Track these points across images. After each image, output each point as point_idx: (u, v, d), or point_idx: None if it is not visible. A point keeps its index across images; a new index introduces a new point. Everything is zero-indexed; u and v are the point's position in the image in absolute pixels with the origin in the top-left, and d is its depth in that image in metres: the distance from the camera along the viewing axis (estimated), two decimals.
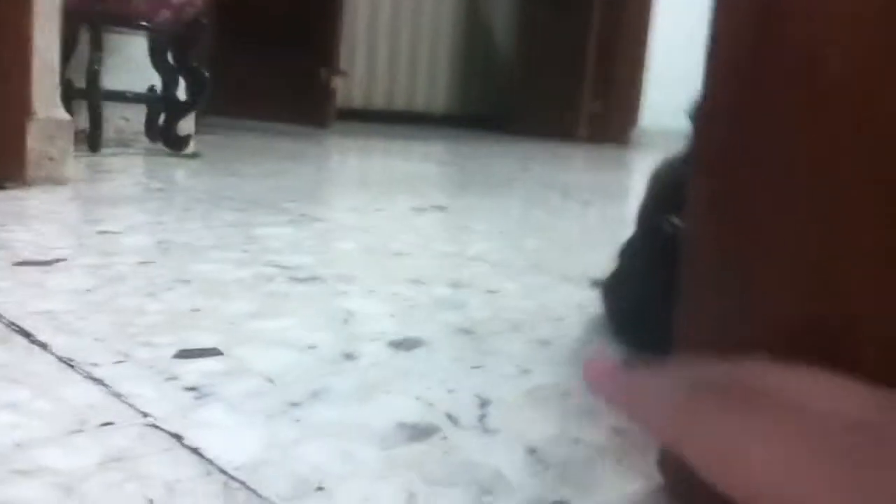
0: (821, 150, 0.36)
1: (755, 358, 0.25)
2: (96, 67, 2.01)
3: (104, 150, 2.08)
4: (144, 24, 2.12)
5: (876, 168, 0.34)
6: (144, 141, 2.43)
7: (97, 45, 2.02)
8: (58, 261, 0.89)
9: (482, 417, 0.53)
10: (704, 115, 0.41)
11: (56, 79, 1.46)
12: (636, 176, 2.74)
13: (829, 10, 0.35)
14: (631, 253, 0.73)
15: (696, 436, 0.21)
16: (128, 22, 2.10)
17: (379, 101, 4.86)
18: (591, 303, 0.84)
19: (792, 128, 0.37)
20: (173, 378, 0.57)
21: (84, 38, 2.15)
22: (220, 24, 3.13)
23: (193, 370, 0.59)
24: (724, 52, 0.40)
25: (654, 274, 0.67)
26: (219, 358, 0.62)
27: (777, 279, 0.37)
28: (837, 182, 0.35)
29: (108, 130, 2.42)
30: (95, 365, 0.59)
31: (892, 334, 0.34)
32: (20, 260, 0.88)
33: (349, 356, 0.64)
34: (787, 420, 0.20)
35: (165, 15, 2.11)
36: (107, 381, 0.56)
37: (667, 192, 0.69)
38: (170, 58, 2.29)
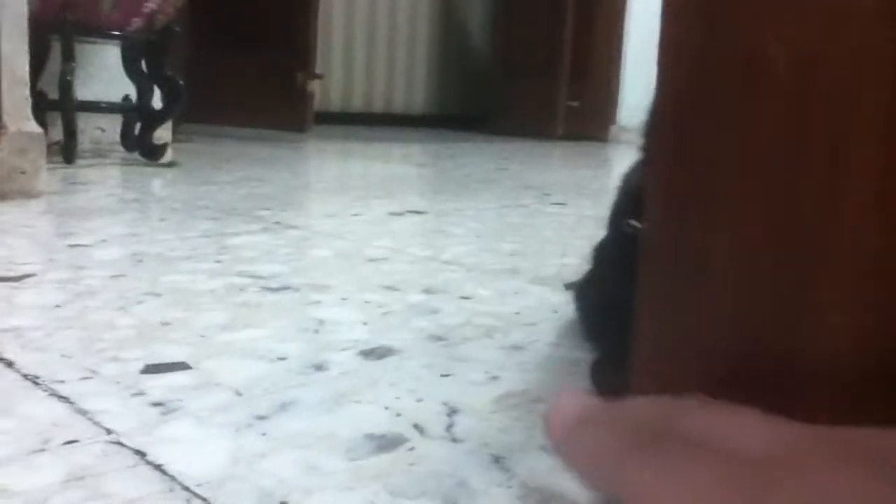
0: (769, 152, 0.36)
1: (690, 399, 0.26)
2: (69, 78, 1.99)
3: (80, 162, 2.07)
4: (116, 32, 2.10)
5: (822, 170, 0.34)
6: (121, 151, 2.42)
7: (69, 56, 2.00)
8: (27, 276, 0.88)
9: (450, 426, 0.53)
10: (656, 114, 0.41)
11: (26, 91, 1.45)
12: (613, 174, 2.75)
13: (766, 9, 0.36)
14: (601, 256, 0.74)
15: (627, 484, 0.22)
16: (99, 31, 2.08)
17: (357, 104, 4.85)
18: (565, 306, 0.84)
19: (739, 129, 0.37)
20: (140, 393, 0.57)
21: (56, 48, 2.14)
22: (193, 29, 3.12)
23: (160, 385, 0.58)
24: (672, 51, 0.40)
25: (622, 277, 0.67)
26: (187, 372, 0.62)
27: (731, 283, 0.38)
28: (781, 183, 0.36)
29: (84, 141, 2.41)
30: (61, 382, 0.58)
31: (848, 343, 0.34)
32: None
33: (319, 366, 0.64)
34: (702, 463, 0.21)
35: (137, 23, 2.09)
36: (72, 398, 0.55)
37: (632, 195, 0.69)
38: (143, 66, 2.28)
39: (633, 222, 0.66)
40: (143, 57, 2.26)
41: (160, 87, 2.25)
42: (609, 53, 4.37)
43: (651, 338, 0.42)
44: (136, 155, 2.29)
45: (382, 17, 4.86)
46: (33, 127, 1.46)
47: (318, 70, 3.40)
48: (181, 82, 2.20)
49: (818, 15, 0.34)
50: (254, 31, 3.32)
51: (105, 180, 1.82)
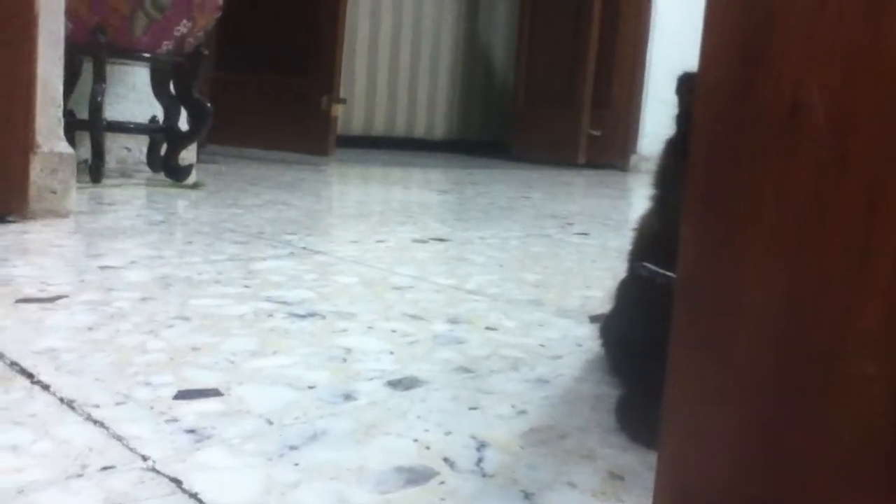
0: (805, 202, 0.36)
1: None
2: (99, 99, 2.03)
3: (106, 181, 2.10)
4: (147, 54, 2.14)
5: (858, 221, 0.35)
6: (147, 171, 2.45)
7: (100, 77, 2.04)
8: (59, 297, 0.90)
9: (479, 461, 0.54)
10: (696, 160, 0.42)
11: (59, 111, 1.47)
12: (634, 205, 2.75)
13: (811, 57, 0.36)
14: (624, 294, 0.74)
15: None
16: (130, 53, 2.12)
17: (379, 128, 4.89)
18: (589, 340, 0.85)
19: (776, 177, 0.38)
20: (173, 420, 0.57)
21: (86, 68, 2.18)
22: (219, 52, 3.17)
23: (193, 411, 0.59)
24: (711, 97, 0.40)
25: (645, 316, 0.68)
26: (218, 398, 0.62)
27: (765, 332, 0.38)
28: (816, 232, 0.36)
29: (111, 161, 2.45)
30: (96, 406, 0.59)
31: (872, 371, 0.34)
32: (22, 297, 0.89)
33: (348, 396, 0.64)
34: None
35: (167, 46, 2.13)
36: (107, 423, 0.56)
37: (646, 239, 0.71)
38: (171, 88, 2.32)
39: (648, 266, 0.67)
40: (171, 78, 2.30)
41: (187, 108, 2.28)
42: (630, 83, 4.38)
43: (685, 382, 0.43)
44: (161, 175, 2.32)
45: (406, 42, 4.91)
46: (65, 147, 1.49)
47: (341, 94, 3.44)
48: (209, 104, 2.23)
49: (860, 67, 0.35)
50: (279, 55, 3.36)
51: (131, 200, 1.84)
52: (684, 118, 0.67)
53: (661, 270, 0.67)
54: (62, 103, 1.48)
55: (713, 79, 0.40)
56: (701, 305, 0.40)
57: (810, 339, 0.36)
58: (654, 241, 0.71)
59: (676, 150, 0.69)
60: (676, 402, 0.43)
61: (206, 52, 2.23)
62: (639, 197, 3.05)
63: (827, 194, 0.35)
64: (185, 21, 2.08)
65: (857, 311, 0.35)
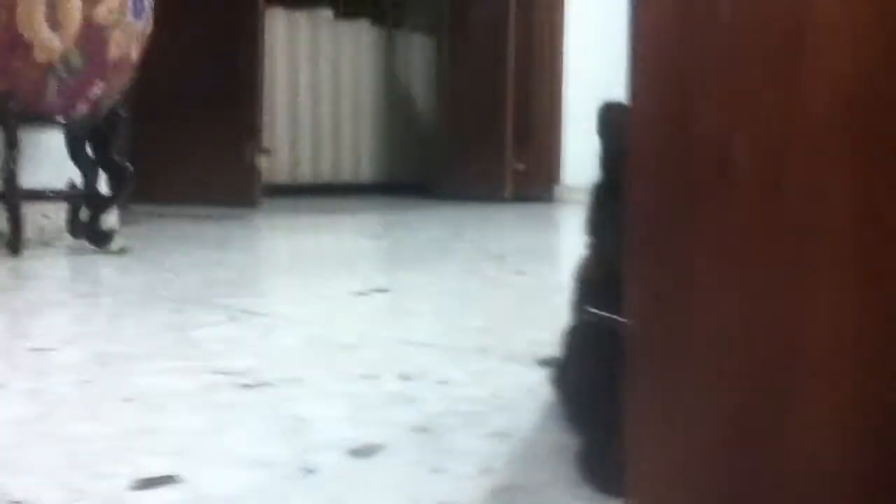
0: (735, 243, 0.38)
1: None
2: (12, 167, 1.97)
3: (26, 252, 2.02)
4: (61, 118, 2.09)
5: (794, 258, 0.36)
6: (68, 238, 2.37)
7: (12, 145, 1.97)
8: None
9: None
10: (634, 210, 0.43)
11: None
12: (563, 237, 2.80)
13: (733, 113, 0.38)
14: (573, 342, 0.75)
15: None
16: (43, 118, 2.06)
17: (305, 175, 4.87)
18: (540, 386, 0.85)
19: (712, 223, 0.39)
20: None
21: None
22: (135, 107, 3.12)
23: (153, 502, 0.57)
24: (643, 153, 0.42)
25: (595, 363, 0.70)
26: (177, 486, 0.60)
27: (714, 371, 0.39)
28: (756, 272, 0.38)
29: (29, 230, 2.36)
30: None
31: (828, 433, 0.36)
32: None
33: (309, 470, 0.63)
34: None
35: (82, 109, 2.08)
36: None
37: (586, 286, 0.73)
38: (89, 151, 2.26)
39: (592, 309, 0.69)
40: (88, 142, 2.25)
41: (107, 171, 2.23)
42: (550, 115, 4.49)
43: (643, 427, 0.44)
44: (83, 242, 2.25)
45: (326, 87, 4.92)
46: None
47: (264, 144, 3.42)
48: (129, 166, 2.18)
49: (779, 120, 0.37)
50: (198, 108, 3.33)
51: (55, 272, 1.78)
52: (608, 160, 0.69)
53: (606, 314, 0.69)
54: None
55: (643, 141, 0.41)
56: (650, 350, 0.42)
57: (762, 373, 0.37)
58: (595, 288, 0.73)
59: (603, 195, 0.71)
60: (636, 445, 0.44)
61: (124, 115, 2.19)
62: (566, 229, 3.11)
63: (761, 236, 0.37)
64: (99, 82, 2.04)
65: (801, 345, 0.36)
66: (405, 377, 0.90)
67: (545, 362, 0.94)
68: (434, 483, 0.61)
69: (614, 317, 0.67)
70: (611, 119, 0.67)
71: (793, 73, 0.35)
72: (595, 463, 0.61)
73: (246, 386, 0.87)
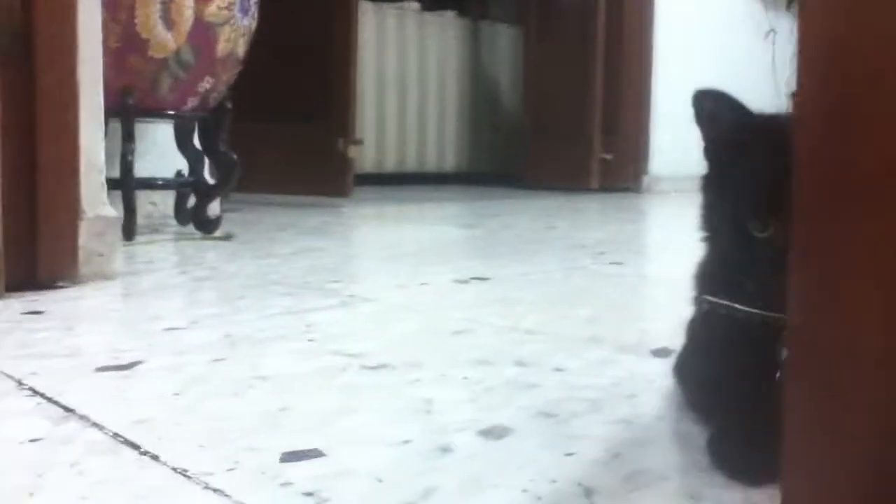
0: None
1: None
2: (130, 158, 2.07)
3: (137, 238, 2.13)
4: (172, 112, 2.19)
5: None
6: (173, 224, 2.49)
7: (129, 137, 2.08)
8: (135, 364, 0.92)
9: None
10: (799, 211, 0.43)
11: (102, 177, 1.51)
12: (653, 228, 2.78)
13: None
14: (693, 332, 0.76)
15: None
16: (157, 112, 2.17)
17: (390, 165, 4.94)
18: (658, 377, 0.87)
19: (877, 220, 0.40)
20: (288, 483, 0.60)
21: (112, 128, 2.22)
22: (234, 103, 3.23)
23: (304, 474, 0.61)
24: (811, 154, 0.43)
25: (717, 353, 0.71)
26: (322, 459, 0.64)
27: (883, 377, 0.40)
28: None
29: (138, 217, 2.48)
30: (210, 474, 0.61)
31: None
32: (99, 366, 0.91)
33: (444, 449, 0.66)
34: None
35: (193, 103, 2.18)
36: (227, 491, 0.58)
37: (704, 279, 0.73)
38: (195, 142, 2.36)
39: (709, 298, 0.70)
40: (195, 133, 2.35)
41: (214, 161, 2.32)
42: (638, 106, 4.43)
43: (804, 424, 0.45)
44: (190, 228, 2.35)
45: (412, 78, 4.98)
46: (109, 211, 1.52)
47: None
48: (235, 157, 2.27)
49: None
50: (294, 102, 3.42)
51: (168, 257, 1.87)
52: (711, 148, 0.69)
53: (721, 301, 0.70)
54: (104, 169, 1.52)
55: (811, 142, 0.42)
56: (817, 351, 0.43)
57: None
58: (712, 280, 0.73)
59: (710, 185, 0.71)
60: (798, 444, 0.45)
61: (230, 106, 2.28)
62: (655, 220, 3.08)
63: None
64: (208, 77, 2.13)
65: None
66: (521, 363, 0.93)
67: (659, 353, 0.95)
68: (567, 465, 0.63)
69: (726, 302, 0.68)
70: (707, 107, 0.67)
71: None
72: (725, 450, 0.62)
73: (369, 368, 0.90)
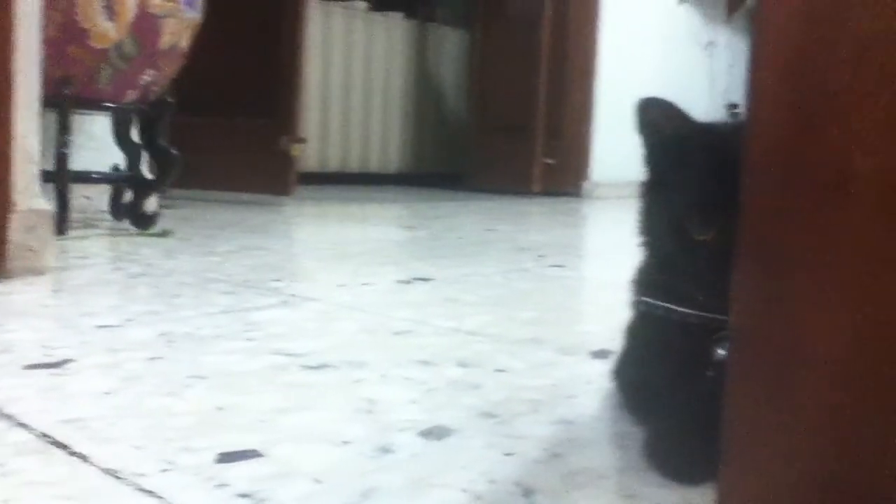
0: (857, 259, 0.40)
1: None
2: (65, 151, 2.01)
3: (71, 233, 2.07)
4: (111, 104, 2.13)
5: None
6: (108, 220, 2.42)
7: (65, 129, 2.02)
8: (66, 361, 0.89)
9: None
10: (749, 215, 0.44)
11: (36, 169, 1.46)
12: (595, 233, 2.82)
13: (855, 128, 0.40)
14: (632, 336, 0.77)
15: None
16: (95, 104, 2.11)
17: (334, 164, 4.90)
18: (598, 378, 0.88)
19: (825, 237, 0.41)
20: (224, 485, 0.58)
21: (47, 120, 2.16)
22: (175, 96, 3.16)
23: (240, 475, 0.60)
24: (759, 163, 0.44)
25: (652, 353, 0.72)
26: (260, 460, 0.63)
27: (827, 382, 0.41)
28: (870, 288, 0.40)
29: (72, 211, 2.41)
30: (142, 475, 0.60)
31: None
32: (29, 363, 0.88)
33: (386, 449, 0.66)
34: None
35: (133, 96, 2.12)
36: (159, 493, 0.57)
37: (642, 285, 0.74)
38: (134, 135, 2.31)
39: (645, 300, 0.71)
40: (133, 126, 2.29)
41: (153, 156, 2.27)
42: (581, 112, 4.49)
43: (745, 426, 0.45)
44: (124, 223, 2.29)
45: (357, 77, 4.95)
46: (42, 204, 1.47)
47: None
48: (175, 152, 2.22)
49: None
50: (238, 98, 3.36)
51: (103, 252, 1.82)
52: (653, 155, 0.70)
53: (657, 302, 0.71)
54: (38, 160, 1.47)
55: (762, 148, 0.43)
56: (760, 356, 0.44)
57: (871, 383, 0.39)
58: (651, 285, 0.74)
59: (650, 191, 0.72)
60: (737, 445, 0.45)
61: (171, 100, 2.23)
62: (597, 224, 3.12)
63: (879, 249, 0.39)
64: (150, 70, 2.08)
65: None
66: (464, 364, 0.93)
67: (599, 355, 0.96)
68: (508, 465, 0.63)
69: (662, 304, 0.69)
70: (649, 115, 0.68)
71: None
72: (665, 451, 0.63)
73: (311, 367, 0.89)
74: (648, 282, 0.75)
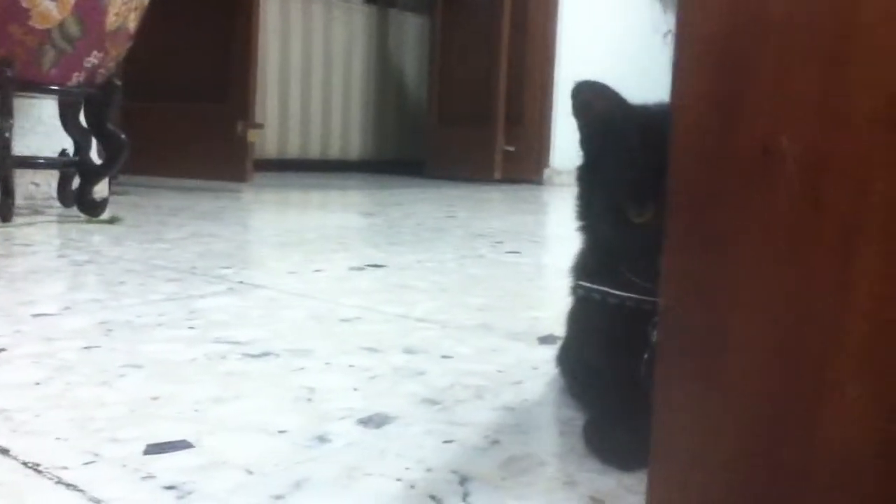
0: (783, 238, 0.39)
1: None
2: (7, 135, 1.95)
3: (16, 219, 2.01)
4: (56, 87, 2.07)
5: (835, 257, 0.38)
6: (57, 206, 2.36)
7: (7, 112, 1.95)
8: None
9: (466, 496, 0.55)
10: (675, 196, 0.44)
11: None
12: (553, 219, 2.82)
13: (780, 104, 0.39)
14: (574, 322, 0.76)
15: None
16: (39, 87, 2.04)
17: (293, 151, 4.85)
18: (544, 363, 0.87)
19: (753, 217, 0.40)
20: (149, 477, 0.56)
21: None
22: (128, 80, 3.09)
23: (168, 466, 0.58)
24: (685, 142, 0.43)
25: (593, 338, 0.71)
26: (190, 451, 0.61)
27: (752, 361, 0.40)
28: (796, 267, 0.39)
29: (18, 197, 2.34)
30: (64, 468, 0.57)
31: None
32: None
33: (321, 439, 0.64)
34: None
35: (78, 78, 2.06)
36: (80, 486, 0.55)
37: (582, 271, 0.73)
38: (82, 120, 2.25)
39: (583, 284, 0.70)
40: (81, 111, 2.23)
41: (101, 141, 2.21)
42: (541, 99, 4.49)
43: (675, 408, 0.45)
44: (73, 210, 2.24)
45: (317, 63, 4.89)
46: None
47: (255, 118, 3.40)
48: (123, 136, 2.17)
49: (826, 116, 0.38)
50: (191, 82, 3.30)
51: (49, 239, 1.77)
52: (587, 137, 0.69)
53: (594, 286, 0.70)
54: None
55: (687, 126, 0.42)
56: (687, 337, 0.43)
57: (796, 363, 0.38)
58: (589, 270, 0.72)
59: (586, 176, 0.71)
60: (665, 427, 0.45)
61: (119, 84, 2.17)
62: (556, 211, 3.13)
63: (803, 229, 0.38)
64: (95, 52, 2.02)
65: (838, 335, 0.38)
66: (409, 351, 0.91)
67: (546, 340, 0.96)
68: (446, 452, 0.62)
69: (599, 288, 0.68)
70: (583, 97, 0.67)
71: (840, 72, 0.36)
72: (600, 437, 0.63)
73: (252, 356, 0.87)
74: (587, 267, 0.73)
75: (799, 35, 0.37)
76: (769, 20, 0.38)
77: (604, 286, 0.66)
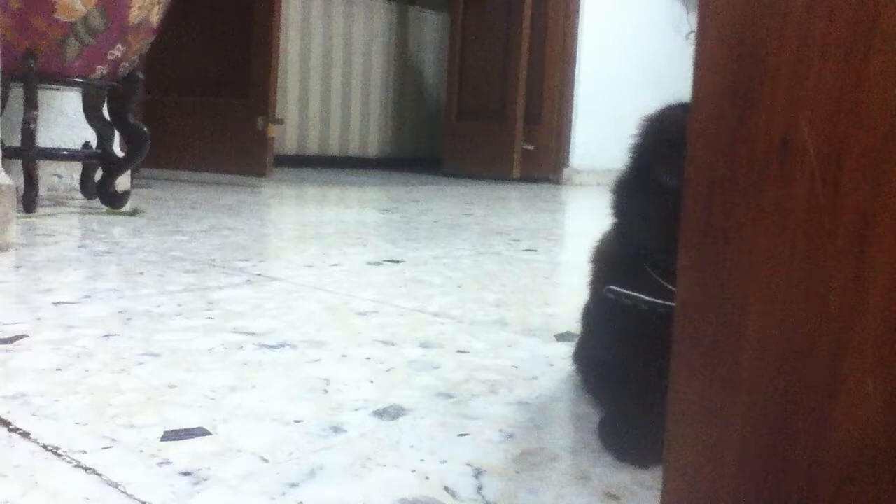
0: (800, 231, 0.39)
1: None
2: (32, 126, 1.97)
3: (39, 210, 2.04)
4: (79, 80, 2.09)
5: (851, 249, 0.37)
6: (79, 198, 2.39)
7: (32, 104, 1.98)
8: (19, 338, 0.87)
9: (479, 488, 0.55)
10: (692, 187, 0.44)
11: None
12: (572, 218, 2.81)
13: (798, 96, 0.39)
14: (590, 319, 0.76)
15: None
16: (62, 79, 2.07)
17: (313, 147, 4.87)
18: (559, 359, 0.87)
19: (771, 209, 0.40)
20: (166, 462, 0.57)
21: (14, 94, 2.12)
22: (151, 75, 3.12)
23: (184, 452, 0.59)
24: (703, 134, 0.43)
25: (615, 338, 0.71)
26: (207, 438, 0.62)
27: (768, 356, 0.40)
28: (812, 261, 0.39)
29: (41, 188, 2.37)
30: (83, 452, 0.58)
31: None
32: None
33: (336, 429, 0.65)
34: None
35: (101, 71, 2.08)
36: (98, 470, 0.55)
37: (607, 264, 0.73)
38: (105, 113, 2.27)
39: (615, 288, 0.70)
40: (104, 103, 2.25)
41: (123, 133, 2.23)
42: (560, 98, 4.48)
43: (688, 403, 0.44)
44: (96, 202, 2.26)
45: (337, 60, 4.91)
46: (4, 179, 1.44)
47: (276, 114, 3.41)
48: (145, 129, 2.19)
49: (846, 108, 0.38)
50: (213, 77, 3.32)
51: (70, 230, 1.79)
52: (642, 155, 0.69)
53: (627, 292, 0.70)
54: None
55: (706, 118, 0.42)
56: (701, 330, 0.43)
57: (810, 358, 0.38)
58: (616, 267, 0.73)
59: (632, 183, 0.71)
60: (680, 421, 0.44)
61: (142, 77, 2.19)
62: (574, 210, 3.12)
63: (820, 222, 0.38)
64: (118, 45, 2.04)
65: (853, 330, 0.37)
66: (425, 345, 0.91)
67: (564, 337, 0.96)
68: (460, 445, 0.62)
69: (632, 293, 0.68)
70: (653, 123, 0.67)
71: (860, 64, 0.36)
72: (616, 433, 0.63)
73: (268, 346, 0.88)
74: (611, 263, 0.73)
75: (819, 26, 0.37)
76: (789, 11, 0.38)
77: (628, 284, 0.66)
